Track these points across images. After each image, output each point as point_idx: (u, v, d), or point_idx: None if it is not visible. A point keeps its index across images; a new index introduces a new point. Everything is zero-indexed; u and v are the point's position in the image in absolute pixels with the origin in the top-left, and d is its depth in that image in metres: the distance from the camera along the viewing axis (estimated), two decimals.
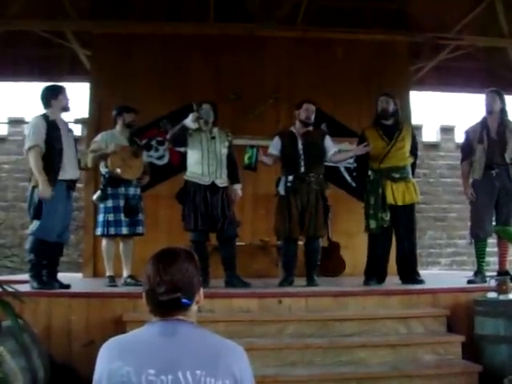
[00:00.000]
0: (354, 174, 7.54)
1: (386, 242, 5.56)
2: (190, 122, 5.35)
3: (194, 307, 1.85)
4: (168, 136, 5.66)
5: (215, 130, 5.58)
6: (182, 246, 2.01)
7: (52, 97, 5.05)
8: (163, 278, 1.77)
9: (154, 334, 1.76)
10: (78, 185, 6.30)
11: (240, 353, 1.80)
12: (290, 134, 5.72)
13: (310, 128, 5.74)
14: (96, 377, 1.76)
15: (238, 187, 5.70)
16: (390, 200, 5.41)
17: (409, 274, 5.52)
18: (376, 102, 5.71)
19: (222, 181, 5.49)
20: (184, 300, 1.78)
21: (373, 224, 5.46)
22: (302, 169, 5.52)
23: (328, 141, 5.73)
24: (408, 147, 5.62)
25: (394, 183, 5.46)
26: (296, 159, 5.55)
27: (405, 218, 5.50)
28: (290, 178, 5.51)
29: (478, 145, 5.54)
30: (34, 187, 4.90)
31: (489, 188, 5.47)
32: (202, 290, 1.89)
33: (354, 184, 7.79)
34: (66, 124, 5.22)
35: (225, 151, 5.56)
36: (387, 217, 5.39)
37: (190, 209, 5.37)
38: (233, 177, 5.67)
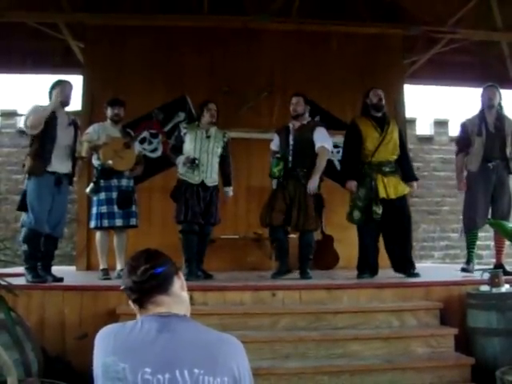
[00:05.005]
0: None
1: (375, 235, 5.57)
2: (180, 165, 5.55)
3: (182, 293, 1.85)
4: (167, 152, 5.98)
5: (213, 129, 5.67)
6: (169, 241, 2.01)
7: (51, 90, 5.18)
8: (136, 266, 1.79)
9: (151, 329, 1.73)
10: None
11: (238, 348, 1.78)
12: (284, 130, 5.77)
13: (305, 121, 5.74)
14: (95, 369, 1.75)
15: (229, 189, 5.86)
16: (382, 194, 5.37)
17: (405, 264, 5.50)
18: (366, 94, 5.68)
19: (211, 180, 5.60)
20: (158, 269, 1.78)
21: (357, 215, 5.47)
22: (290, 164, 5.57)
23: (317, 133, 5.65)
24: (397, 141, 5.58)
25: (384, 177, 5.45)
26: (286, 154, 5.62)
27: (401, 210, 5.48)
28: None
29: (476, 137, 5.56)
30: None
31: (485, 180, 5.49)
32: (182, 276, 1.89)
33: None
34: (67, 118, 5.23)
35: (219, 151, 5.65)
36: (380, 210, 5.38)
37: (181, 203, 5.48)
38: (226, 179, 5.83)
